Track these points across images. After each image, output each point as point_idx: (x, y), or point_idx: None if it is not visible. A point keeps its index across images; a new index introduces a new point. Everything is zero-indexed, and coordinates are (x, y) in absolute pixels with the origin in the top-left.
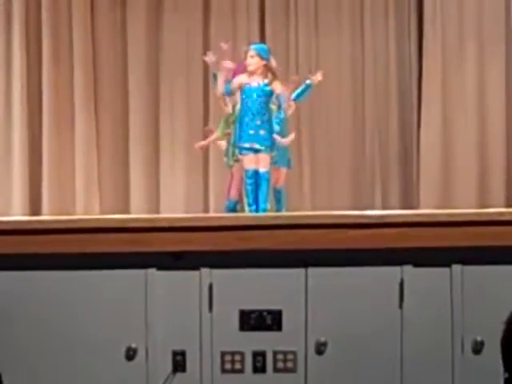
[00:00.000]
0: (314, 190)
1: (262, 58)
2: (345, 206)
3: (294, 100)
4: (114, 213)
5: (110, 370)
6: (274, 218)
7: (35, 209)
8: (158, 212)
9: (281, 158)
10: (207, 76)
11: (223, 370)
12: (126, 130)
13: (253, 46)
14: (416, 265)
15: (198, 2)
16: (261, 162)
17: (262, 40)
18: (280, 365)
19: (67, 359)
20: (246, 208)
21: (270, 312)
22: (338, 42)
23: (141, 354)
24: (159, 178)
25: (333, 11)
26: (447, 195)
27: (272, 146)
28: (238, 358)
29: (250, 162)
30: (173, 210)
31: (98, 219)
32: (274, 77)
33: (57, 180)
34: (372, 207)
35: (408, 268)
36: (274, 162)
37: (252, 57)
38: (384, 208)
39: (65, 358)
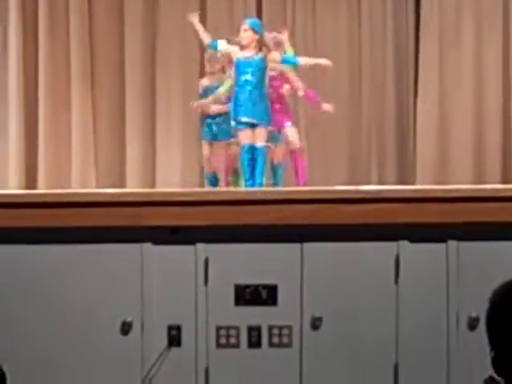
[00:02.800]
0: (310, 165)
1: (255, 32)
2: (341, 181)
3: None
4: (109, 187)
5: (106, 345)
6: (270, 193)
7: (31, 184)
8: (153, 186)
9: (278, 135)
10: (203, 54)
11: (218, 345)
12: (123, 105)
13: (247, 20)
14: (412, 240)
15: None
16: (258, 137)
17: (259, 17)
18: (275, 339)
19: (62, 333)
20: (242, 183)
21: (265, 287)
22: (334, 21)
23: (136, 328)
24: (155, 153)
25: None
26: (443, 171)
27: (269, 120)
28: (233, 332)
29: (246, 136)
30: (169, 185)
31: (93, 193)
32: (269, 50)
33: (53, 155)
34: (368, 183)
35: (404, 243)
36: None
37: (245, 30)
38: (380, 184)
39: (60, 332)
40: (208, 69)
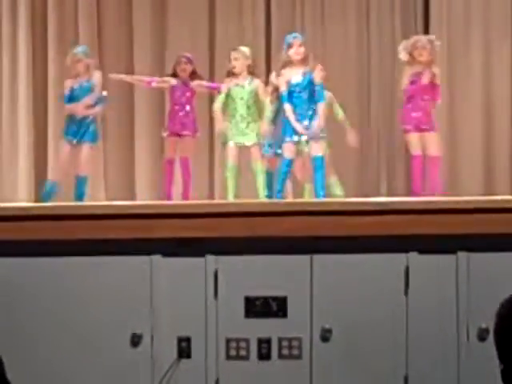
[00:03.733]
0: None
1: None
2: (350, 192)
3: None
4: (119, 199)
5: (116, 357)
6: (280, 205)
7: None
8: (163, 199)
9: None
10: (212, 56)
11: (228, 357)
12: (132, 115)
13: (296, 35)
14: (421, 252)
15: None
16: (315, 148)
17: (268, 27)
18: (285, 351)
19: (73, 345)
20: (277, 194)
21: (275, 299)
22: (344, 33)
23: (146, 340)
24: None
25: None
26: (453, 182)
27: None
28: (243, 344)
29: (290, 151)
30: (178, 197)
31: (103, 206)
32: (312, 66)
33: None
34: (377, 194)
35: (413, 255)
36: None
37: (300, 46)
38: (389, 195)
39: (70, 344)
40: (72, 71)
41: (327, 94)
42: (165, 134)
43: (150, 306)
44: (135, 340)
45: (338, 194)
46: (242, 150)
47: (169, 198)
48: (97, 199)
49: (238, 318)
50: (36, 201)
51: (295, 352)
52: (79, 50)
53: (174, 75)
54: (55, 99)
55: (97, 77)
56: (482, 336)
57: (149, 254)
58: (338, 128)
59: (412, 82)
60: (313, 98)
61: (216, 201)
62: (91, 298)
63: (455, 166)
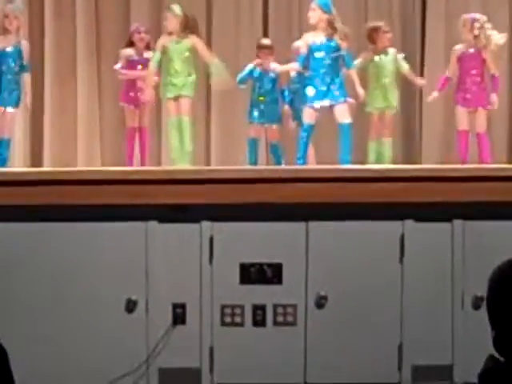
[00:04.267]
0: (316, 143)
1: (324, 11)
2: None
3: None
4: (115, 165)
5: (111, 322)
6: (275, 172)
7: (36, 160)
8: (159, 164)
9: (272, 114)
10: (209, 33)
11: (223, 323)
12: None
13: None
14: (417, 219)
15: None
16: (340, 114)
17: (265, 8)
18: (280, 318)
19: (68, 311)
20: (297, 161)
21: (270, 265)
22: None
23: (141, 306)
24: (161, 131)
25: None
26: (450, 150)
27: (346, 96)
28: (237, 311)
29: (310, 116)
30: (174, 163)
31: (99, 171)
32: (335, 31)
33: (58, 132)
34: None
35: (409, 223)
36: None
37: (313, 10)
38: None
39: (65, 309)
40: (6, 26)
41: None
42: (122, 104)
43: (145, 272)
44: (130, 306)
45: (385, 158)
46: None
47: (130, 164)
48: (93, 164)
49: (233, 285)
50: (32, 166)
51: (290, 319)
52: (15, 5)
53: (131, 44)
54: (52, 60)
55: (25, 45)
56: (477, 304)
57: (144, 220)
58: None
59: None
60: (337, 64)
61: (212, 167)
62: (86, 263)
63: (452, 135)
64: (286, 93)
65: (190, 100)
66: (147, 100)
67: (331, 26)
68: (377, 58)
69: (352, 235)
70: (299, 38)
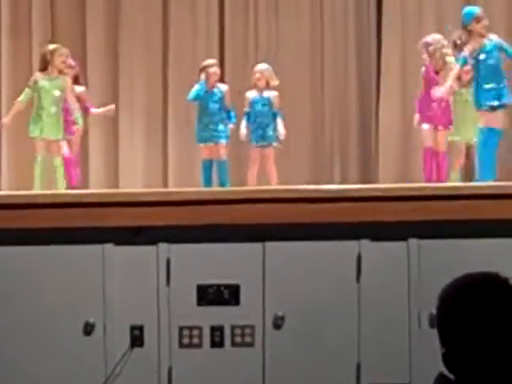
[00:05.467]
0: (277, 164)
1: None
2: (304, 180)
3: None
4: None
5: (68, 345)
6: (232, 193)
7: None
8: (117, 186)
9: (220, 133)
10: (166, 51)
11: (181, 345)
12: None
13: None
14: (373, 239)
15: None
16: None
17: (221, 18)
18: (238, 339)
19: (25, 334)
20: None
21: (227, 286)
22: (296, 20)
23: (98, 328)
24: (118, 153)
25: None
26: (406, 169)
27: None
28: (195, 332)
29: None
30: (132, 185)
31: (55, 194)
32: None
33: (15, 156)
34: (331, 181)
35: (365, 242)
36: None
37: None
38: (343, 182)
39: (22, 332)
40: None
41: None
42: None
43: (102, 295)
44: (88, 329)
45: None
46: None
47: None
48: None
49: (190, 306)
50: None
51: (248, 339)
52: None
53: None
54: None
55: None
56: (433, 322)
57: (101, 242)
58: (291, 114)
59: None
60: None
61: (169, 189)
62: (44, 287)
63: (408, 154)
64: (232, 113)
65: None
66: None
67: None
68: None
69: (309, 255)
70: (255, 57)
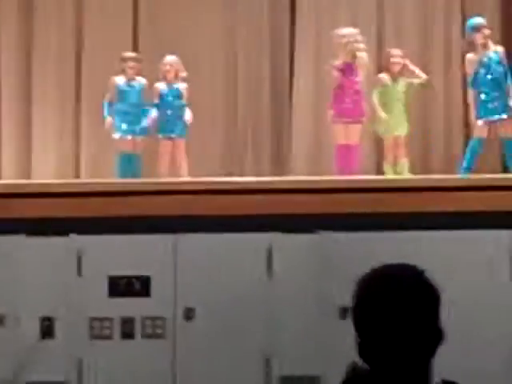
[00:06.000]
0: (187, 156)
1: (486, 29)
2: (216, 172)
3: None
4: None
5: None
6: (143, 185)
7: None
8: (29, 177)
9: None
10: (79, 61)
11: (92, 336)
12: None
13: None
14: (284, 231)
15: None
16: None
17: (135, 23)
18: (148, 331)
19: None
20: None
21: (138, 278)
22: (209, 11)
23: (9, 320)
24: (31, 143)
25: None
26: (319, 162)
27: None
28: (106, 324)
29: (482, 130)
30: (44, 175)
31: None
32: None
33: None
34: (243, 174)
35: (276, 235)
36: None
37: (478, 30)
38: (256, 174)
39: None
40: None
41: None
42: None
43: (13, 286)
44: None
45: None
46: None
47: None
48: None
49: (101, 298)
50: None
51: (159, 331)
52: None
53: None
54: None
55: None
56: (343, 314)
57: (12, 233)
58: (204, 106)
59: None
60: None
61: (80, 180)
62: None
63: (320, 147)
64: (150, 106)
65: None
66: None
67: None
68: None
69: (220, 247)
70: (170, 51)
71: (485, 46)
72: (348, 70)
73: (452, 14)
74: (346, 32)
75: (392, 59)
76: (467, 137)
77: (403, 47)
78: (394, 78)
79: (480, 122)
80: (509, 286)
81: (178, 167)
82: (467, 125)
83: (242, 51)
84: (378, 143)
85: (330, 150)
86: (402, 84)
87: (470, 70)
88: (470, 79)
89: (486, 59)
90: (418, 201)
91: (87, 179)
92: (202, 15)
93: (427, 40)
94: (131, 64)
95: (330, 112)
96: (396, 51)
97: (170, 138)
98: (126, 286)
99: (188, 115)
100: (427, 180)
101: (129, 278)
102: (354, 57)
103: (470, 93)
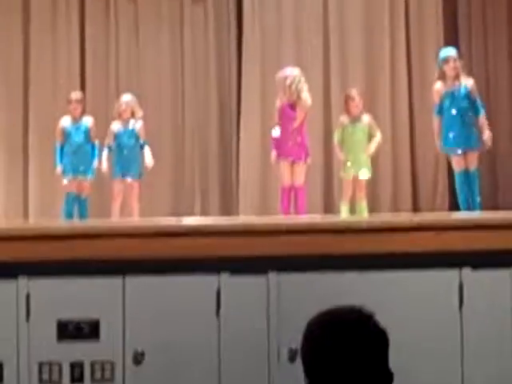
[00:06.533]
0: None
1: (456, 61)
2: (166, 211)
3: None
4: None
5: None
6: (92, 227)
7: None
8: None
9: (88, 166)
10: (27, 79)
11: (41, 381)
12: None
13: (451, 54)
14: (233, 272)
15: (17, 3)
16: (470, 161)
17: (82, 41)
18: (98, 375)
19: None
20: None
21: (87, 322)
22: (157, 48)
23: None
24: None
25: (153, 15)
26: (266, 202)
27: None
28: (55, 368)
29: (458, 163)
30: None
31: None
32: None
33: None
34: (192, 213)
35: (225, 276)
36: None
37: (447, 62)
38: (204, 214)
39: None
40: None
41: None
42: None
43: None
44: None
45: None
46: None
47: None
48: None
49: (50, 342)
50: None
51: (107, 375)
52: None
53: None
54: None
55: None
56: (293, 357)
57: None
58: (152, 147)
59: None
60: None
61: (29, 223)
62: None
63: (268, 187)
64: (96, 147)
65: None
66: None
67: None
68: None
69: (169, 290)
70: (115, 92)
71: (455, 78)
72: (291, 110)
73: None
74: (289, 73)
75: (351, 101)
76: (413, 175)
77: (349, 85)
78: (354, 119)
79: (454, 157)
80: (458, 326)
81: (130, 209)
82: (413, 161)
83: (189, 93)
84: (328, 183)
85: (278, 188)
86: (361, 125)
87: (436, 99)
88: (435, 108)
89: (452, 91)
90: (366, 241)
91: (35, 222)
92: (150, 51)
93: (374, 80)
94: (74, 105)
95: (274, 153)
96: (354, 92)
97: (124, 179)
98: (74, 330)
99: (148, 157)
100: (374, 220)
101: (77, 322)
102: (299, 98)
103: (436, 121)
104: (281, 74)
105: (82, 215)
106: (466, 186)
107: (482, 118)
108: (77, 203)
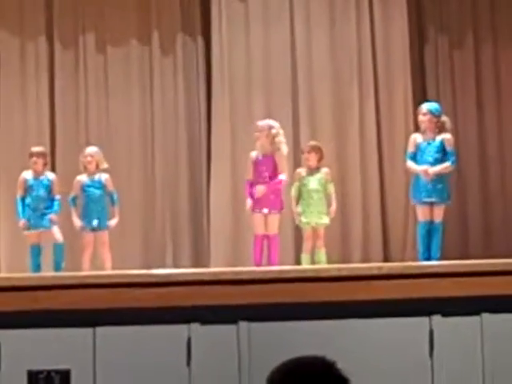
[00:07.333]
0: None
1: (434, 115)
2: (137, 263)
3: None
4: None
5: None
6: (61, 278)
7: None
8: None
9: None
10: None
11: None
12: None
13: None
14: (203, 322)
15: None
16: (437, 213)
17: (51, 97)
18: None
19: None
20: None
21: (57, 372)
22: (127, 102)
23: None
24: None
25: (122, 72)
26: (237, 252)
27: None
28: None
29: (424, 213)
30: None
31: None
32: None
33: None
34: (163, 265)
35: (195, 326)
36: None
37: (424, 115)
38: (175, 266)
39: None
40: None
41: None
42: None
43: None
44: None
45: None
46: None
47: None
48: None
49: None
50: None
51: None
52: None
53: None
54: None
55: None
56: None
57: None
58: (122, 199)
59: None
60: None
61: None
62: None
63: (239, 238)
64: (56, 201)
65: None
66: None
67: None
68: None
69: (139, 339)
70: (85, 144)
71: (430, 132)
72: (268, 161)
73: (366, 109)
74: (267, 124)
75: (306, 155)
76: (384, 223)
77: (318, 136)
78: (311, 172)
79: (418, 207)
80: (429, 372)
81: (102, 260)
82: (383, 212)
83: (159, 142)
84: (299, 233)
85: (249, 238)
86: (318, 177)
87: (410, 148)
88: (408, 155)
89: (425, 144)
90: (337, 289)
91: (3, 275)
92: (119, 105)
93: (343, 130)
94: (35, 159)
95: (249, 202)
96: (312, 144)
97: (93, 230)
98: (45, 381)
99: (116, 205)
100: (343, 269)
101: (48, 372)
102: (278, 149)
103: (409, 166)
104: (263, 123)
105: (57, 263)
106: (427, 238)
107: (447, 166)
108: (56, 250)
